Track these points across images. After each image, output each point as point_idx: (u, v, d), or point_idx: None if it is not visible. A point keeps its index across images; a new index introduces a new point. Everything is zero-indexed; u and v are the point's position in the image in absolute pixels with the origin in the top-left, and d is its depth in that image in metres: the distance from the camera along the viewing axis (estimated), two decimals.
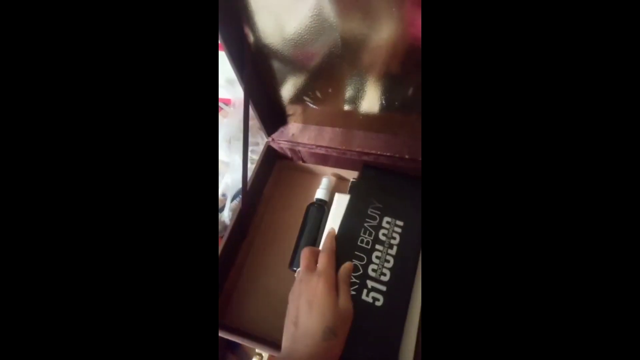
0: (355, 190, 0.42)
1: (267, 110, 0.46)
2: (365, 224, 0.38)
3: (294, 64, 0.41)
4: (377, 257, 0.36)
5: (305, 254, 0.34)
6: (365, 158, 0.43)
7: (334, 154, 0.45)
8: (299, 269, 0.34)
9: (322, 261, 0.33)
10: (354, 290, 0.33)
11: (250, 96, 0.41)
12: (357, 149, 0.44)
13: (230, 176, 0.52)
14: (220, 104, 0.65)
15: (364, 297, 0.33)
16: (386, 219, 0.38)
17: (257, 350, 0.35)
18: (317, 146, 0.46)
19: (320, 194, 0.47)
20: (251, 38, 0.37)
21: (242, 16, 0.34)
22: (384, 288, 0.34)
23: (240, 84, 0.39)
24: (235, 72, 0.38)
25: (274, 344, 0.35)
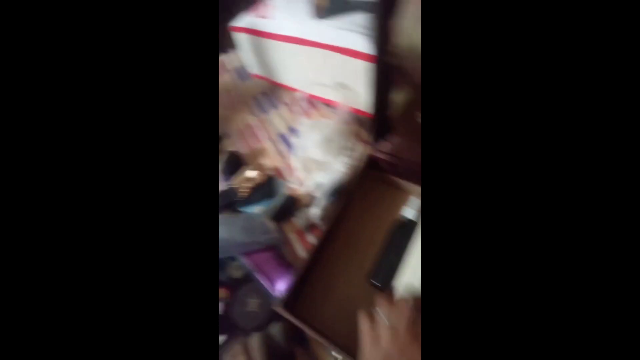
0: None
1: (376, 119, 0.46)
2: None
3: (412, 77, 0.40)
4: None
5: (409, 314, 0.31)
6: None
7: None
8: (382, 313, 0.33)
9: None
10: None
11: (372, 97, 0.42)
12: None
13: (323, 176, 0.53)
14: (321, 104, 0.67)
15: None
16: None
17: (333, 353, 0.36)
18: (417, 163, 0.45)
19: (408, 213, 0.46)
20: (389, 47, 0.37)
21: (390, 26, 0.35)
22: None
23: (369, 89, 0.41)
24: (371, 77, 0.39)
25: (345, 348, 0.35)
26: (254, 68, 0.74)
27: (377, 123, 0.46)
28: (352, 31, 0.52)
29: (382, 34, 0.35)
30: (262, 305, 0.42)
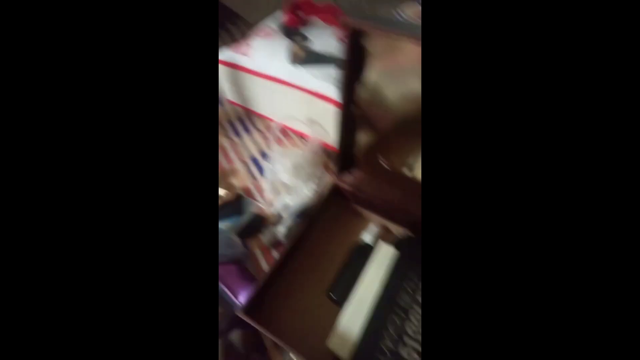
0: (403, 250, 0.47)
1: (340, 154, 0.53)
2: (406, 285, 0.43)
3: (375, 124, 0.49)
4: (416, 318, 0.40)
5: None
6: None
7: (390, 208, 0.51)
8: None
9: None
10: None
11: (337, 137, 0.49)
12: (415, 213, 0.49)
13: (290, 198, 0.58)
14: (293, 134, 0.74)
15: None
16: None
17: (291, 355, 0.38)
18: (376, 196, 0.52)
19: (367, 238, 0.52)
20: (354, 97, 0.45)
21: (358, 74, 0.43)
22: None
23: (335, 130, 0.47)
24: (337, 121, 0.46)
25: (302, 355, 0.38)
26: (229, 95, 0.79)
27: (341, 158, 0.53)
28: (324, 79, 0.60)
29: (348, 86, 0.43)
30: (223, 314, 0.44)
